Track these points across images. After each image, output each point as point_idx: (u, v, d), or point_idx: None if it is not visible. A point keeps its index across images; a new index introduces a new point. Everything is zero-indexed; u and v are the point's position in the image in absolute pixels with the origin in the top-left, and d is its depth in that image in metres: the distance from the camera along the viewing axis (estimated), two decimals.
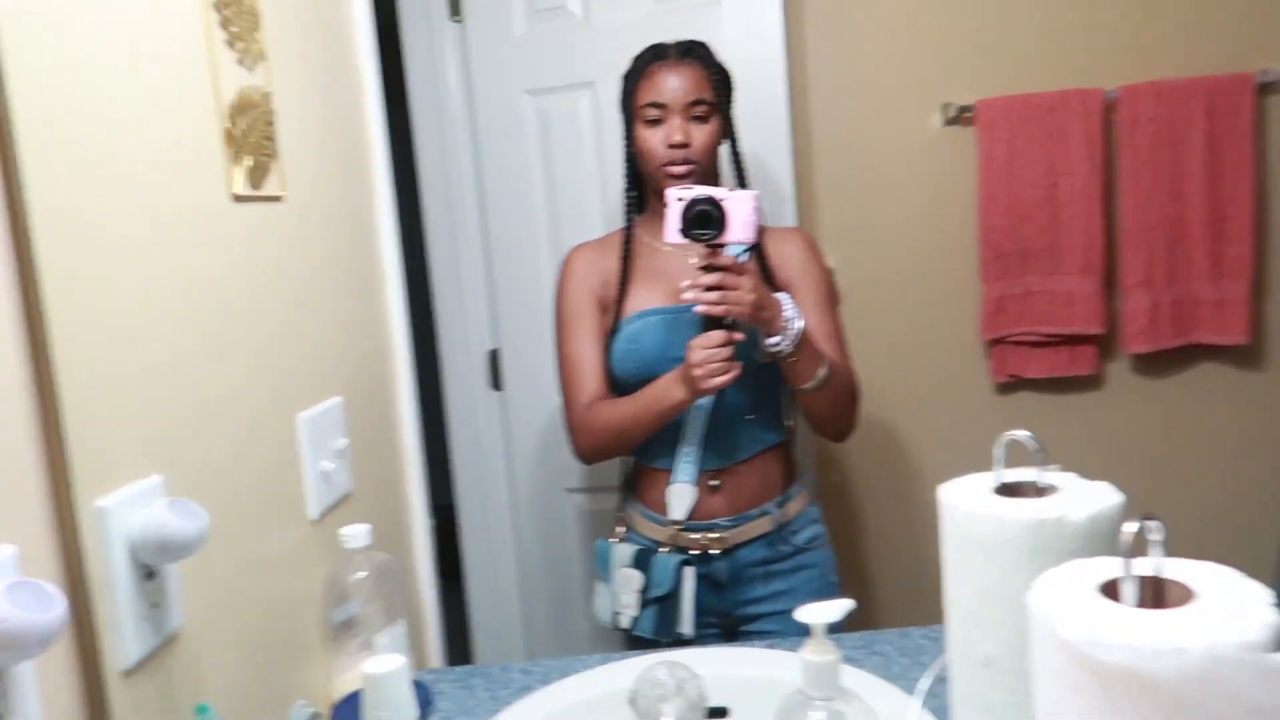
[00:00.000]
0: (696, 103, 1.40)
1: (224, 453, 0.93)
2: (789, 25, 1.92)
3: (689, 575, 1.38)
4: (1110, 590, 0.53)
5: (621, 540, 1.47)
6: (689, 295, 1.27)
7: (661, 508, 1.44)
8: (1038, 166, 1.92)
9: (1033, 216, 1.94)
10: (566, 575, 2.10)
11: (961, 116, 1.96)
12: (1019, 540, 0.67)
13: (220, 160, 0.94)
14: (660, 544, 1.43)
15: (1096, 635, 0.48)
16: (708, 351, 1.27)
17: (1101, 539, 0.67)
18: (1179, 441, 2.05)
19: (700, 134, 1.41)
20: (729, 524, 1.42)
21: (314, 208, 1.17)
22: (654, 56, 1.44)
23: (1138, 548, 0.52)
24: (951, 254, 2.03)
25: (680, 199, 1.27)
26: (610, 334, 1.45)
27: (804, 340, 1.31)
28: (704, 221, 1.26)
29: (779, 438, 1.47)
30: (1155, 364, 2.03)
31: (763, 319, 1.27)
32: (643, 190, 1.50)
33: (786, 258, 1.46)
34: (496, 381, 2.09)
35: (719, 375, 1.28)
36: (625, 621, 1.41)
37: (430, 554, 1.49)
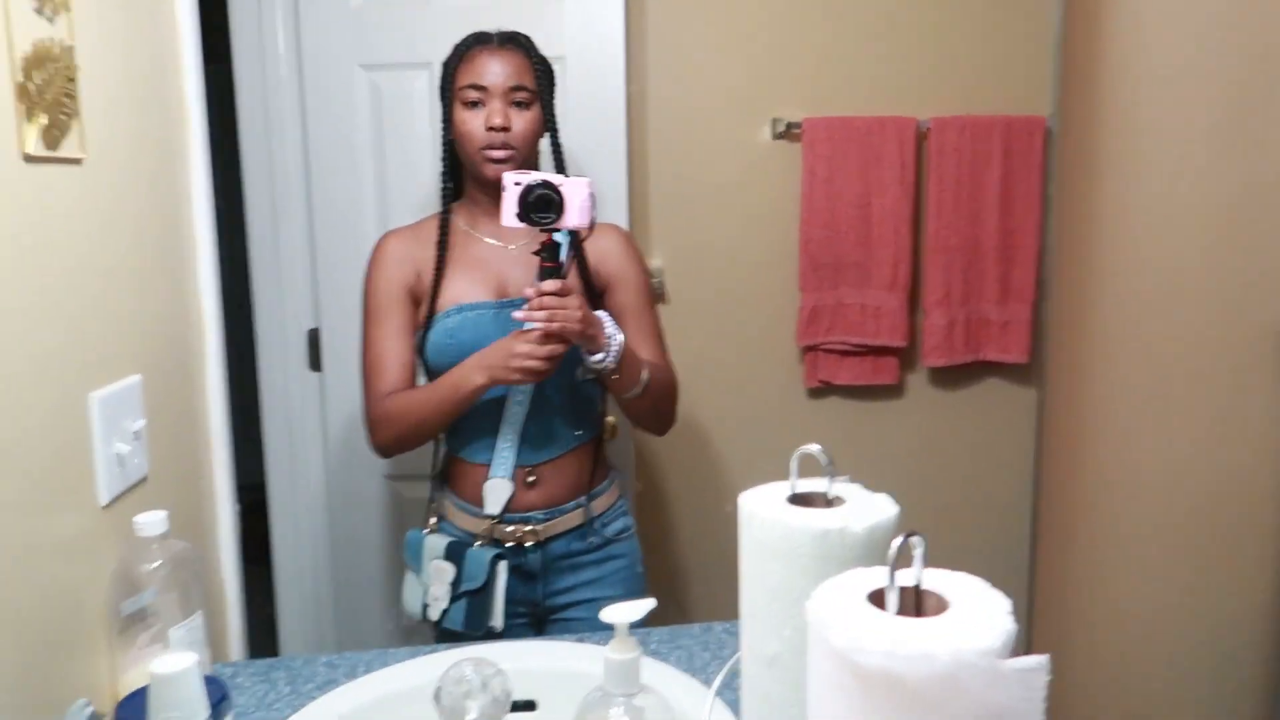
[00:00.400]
0: (518, 88, 1.40)
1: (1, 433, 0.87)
2: (630, 26, 1.95)
3: (502, 569, 1.39)
4: (877, 599, 0.58)
5: (433, 531, 1.47)
6: (520, 314, 1.28)
7: (477, 500, 1.44)
8: (854, 185, 2.04)
9: (848, 232, 2.05)
10: (381, 564, 2.06)
11: (789, 132, 2.06)
12: (805, 548, 0.72)
13: (10, 117, 0.87)
14: (475, 536, 1.44)
15: (860, 641, 0.53)
16: (531, 347, 1.29)
17: (879, 548, 0.73)
18: (965, 449, 2.23)
19: (521, 120, 1.40)
20: (544, 517, 1.44)
21: (119, 172, 1.10)
22: (475, 41, 1.43)
23: (904, 559, 0.58)
24: (774, 262, 2.13)
25: (518, 183, 1.28)
26: (425, 325, 1.43)
27: (625, 353, 1.35)
28: (544, 205, 1.27)
29: (594, 433, 1.51)
30: (949, 377, 2.20)
31: (588, 335, 1.30)
32: (460, 176, 1.49)
33: (606, 253, 1.48)
34: (315, 362, 2.03)
35: (537, 370, 1.30)
36: (435, 614, 1.41)
37: (234, 542, 1.43)
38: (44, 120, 0.92)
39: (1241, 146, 1.54)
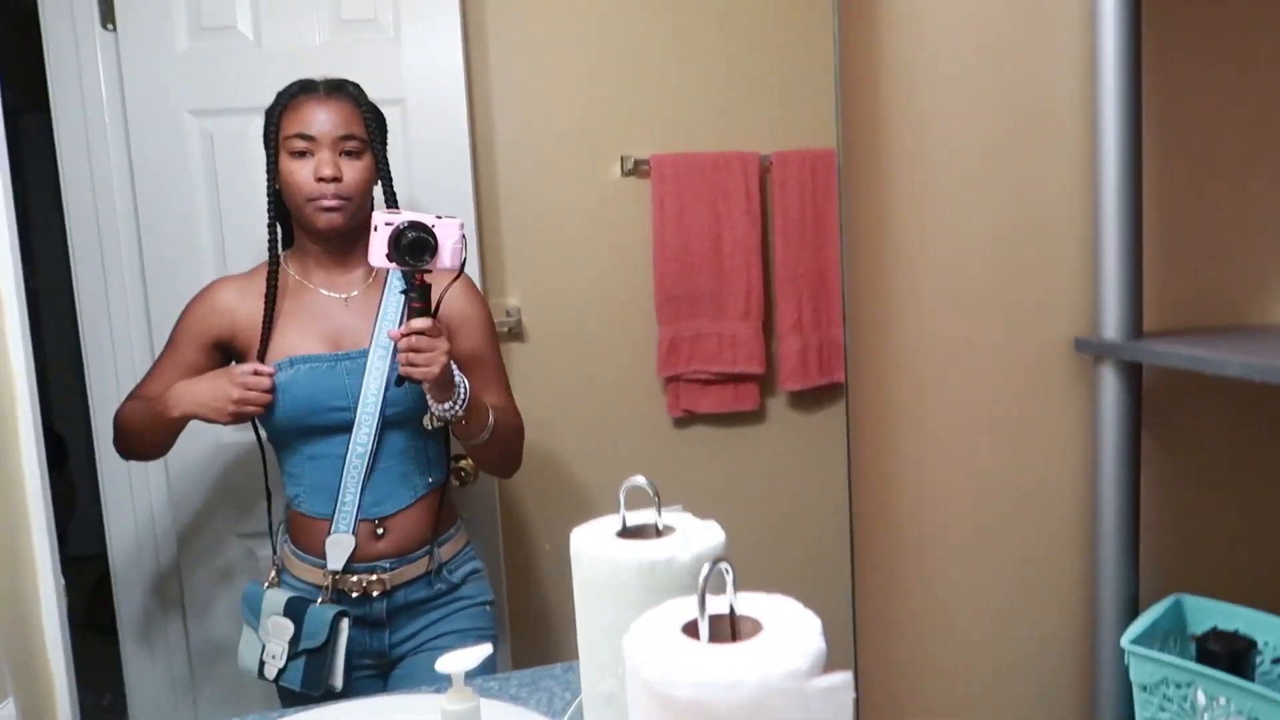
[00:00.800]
0: (348, 137, 1.38)
1: None
2: (471, 66, 1.95)
3: (344, 628, 1.35)
4: (692, 629, 0.58)
5: (273, 585, 1.41)
6: (395, 337, 1.27)
7: (319, 553, 1.39)
8: (704, 219, 2.08)
9: (700, 265, 2.09)
10: (238, 627, 1.96)
11: (639, 169, 2.09)
12: (634, 581, 0.72)
13: None
14: (317, 588, 1.39)
15: (671, 674, 0.53)
16: (251, 395, 1.27)
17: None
18: (823, 469, 2.29)
19: (352, 170, 1.38)
20: (390, 565, 1.43)
21: None
22: (301, 89, 1.41)
23: (720, 586, 0.58)
24: (631, 296, 2.15)
25: (389, 223, 1.27)
26: None
27: (471, 401, 1.33)
28: (420, 249, 1.26)
29: (443, 478, 1.50)
30: (806, 400, 2.26)
31: (440, 383, 1.28)
32: (288, 224, 1.46)
33: (447, 297, 1.47)
34: None
35: (241, 413, 1.27)
36: (271, 672, 1.36)
37: (60, 615, 1.34)
38: None
39: (1023, 168, 1.67)
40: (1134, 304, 1.67)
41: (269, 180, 1.41)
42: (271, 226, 1.42)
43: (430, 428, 1.41)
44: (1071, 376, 1.73)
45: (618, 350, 2.19)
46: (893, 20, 1.89)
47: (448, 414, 1.33)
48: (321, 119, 1.37)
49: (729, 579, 0.58)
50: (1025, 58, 1.85)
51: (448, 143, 1.87)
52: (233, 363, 1.40)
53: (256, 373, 1.31)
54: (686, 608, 0.60)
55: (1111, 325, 1.65)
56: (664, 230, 2.08)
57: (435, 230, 1.27)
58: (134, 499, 1.94)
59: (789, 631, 0.57)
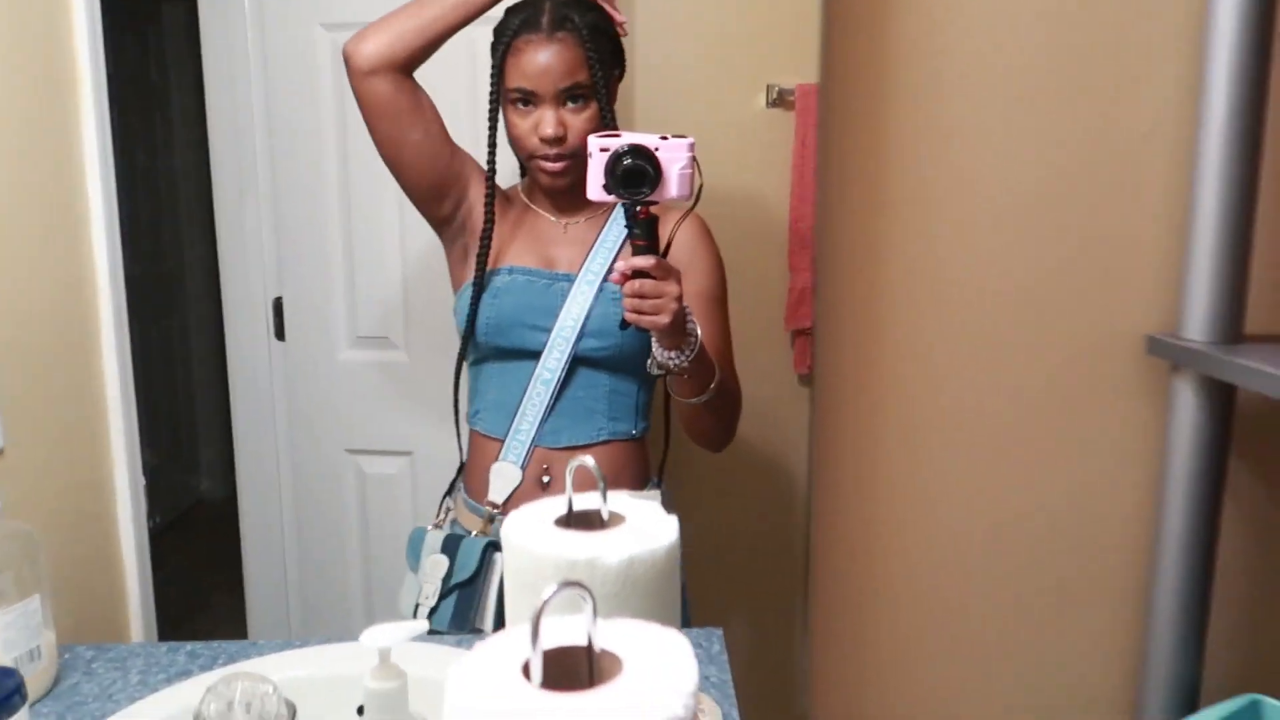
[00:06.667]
0: (571, 87, 1.24)
1: None
2: None
3: (496, 561, 1.26)
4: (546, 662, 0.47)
5: (438, 527, 1.36)
6: (615, 277, 1.13)
7: (483, 488, 1.31)
8: None
9: None
10: (343, 543, 2.01)
11: (784, 100, 1.90)
12: (554, 579, 0.61)
13: None
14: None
15: None
16: None
17: (639, 583, 0.62)
18: None
19: (577, 121, 1.25)
20: None
21: None
22: (523, 25, 1.25)
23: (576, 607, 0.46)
24: (764, 240, 1.98)
25: (604, 149, 1.08)
26: (477, 286, 1.31)
27: (700, 354, 1.18)
28: (636, 178, 1.08)
29: (631, 429, 1.34)
30: None
31: (673, 328, 1.13)
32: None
33: (677, 236, 1.29)
34: (280, 331, 1.98)
35: None
36: (423, 613, 1.30)
37: (138, 514, 1.39)
38: None
39: (1094, 91, 1.14)
40: (1232, 296, 1.16)
41: (490, 112, 1.30)
42: (491, 149, 1.31)
43: (650, 372, 1.24)
44: (1138, 386, 1.19)
45: (746, 298, 2.02)
46: None
47: (671, 363, 1.16)
48: (543, 68, 1.23)
49: (589, 606, 0.46)
50: None
51: None
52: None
53: None
54: (551, 632, 0.49)
55: (1197, 323, 1.15)
56: (803, 168, 1.88)
57: (659, 155, 1.07)
58: (258, 406, 2.02)
59: (652, 678, 0.45)
